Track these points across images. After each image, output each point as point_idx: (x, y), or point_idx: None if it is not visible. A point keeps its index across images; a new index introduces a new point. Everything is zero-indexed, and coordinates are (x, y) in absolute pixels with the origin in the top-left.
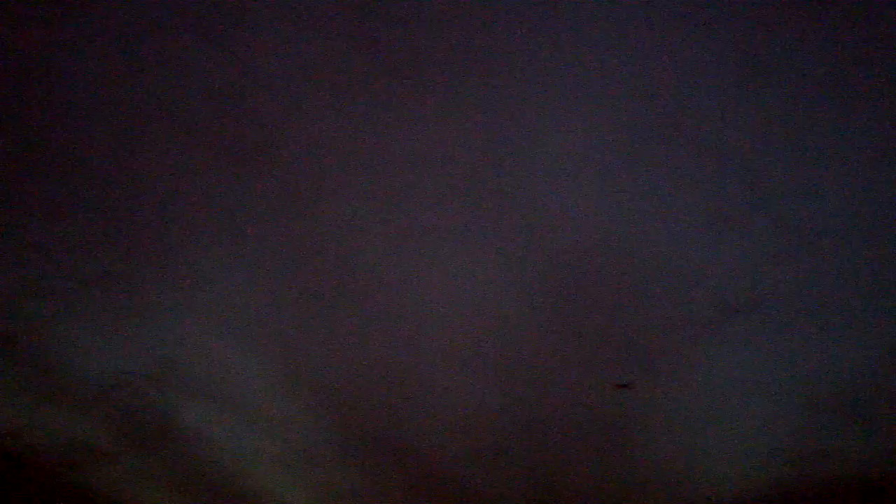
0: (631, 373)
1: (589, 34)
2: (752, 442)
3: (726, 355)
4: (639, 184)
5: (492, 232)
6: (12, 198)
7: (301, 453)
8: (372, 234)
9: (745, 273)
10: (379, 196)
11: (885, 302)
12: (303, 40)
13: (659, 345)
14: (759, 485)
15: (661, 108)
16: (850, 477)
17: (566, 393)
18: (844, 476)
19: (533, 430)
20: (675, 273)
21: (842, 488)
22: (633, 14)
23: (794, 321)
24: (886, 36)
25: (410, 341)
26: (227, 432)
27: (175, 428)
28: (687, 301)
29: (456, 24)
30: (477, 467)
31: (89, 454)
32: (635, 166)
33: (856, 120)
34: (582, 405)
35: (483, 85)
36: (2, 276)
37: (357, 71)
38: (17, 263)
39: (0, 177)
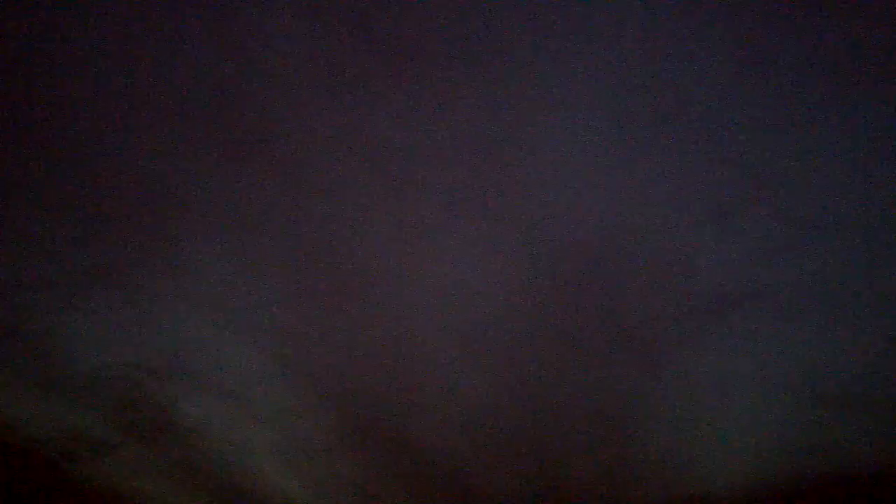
0: (631, 365)
1: (588, 27)
2: (754, 435)
3: (727, 347)
4: (639, 175)
5: (491, 224)
6: (12, 191)
7: (300, 444)
8: (371, 225)
9: (746, 265)
10: (378, 188)
11: (886, 293)
12: (303, 33)
13: (659, 336)
14: (761, 478)
15: (662, 100)
16: (852, 470)
17: (566, 385)
18: (846, 469)
19: (532, 421)
20: (675, 264)
21: (844, 481)
22: (633, 7)
23: (795, 313)
24: (886, 26)
25: (409, 333)
26: (227, 423)
27: (174, 419)
28: (688, 293)
29: (455, 16)
30: (475, 459)
31: (89, 445)
32: (635, 158)
33: (856, 111)
34: (582, 398)
35: (482, 78)
36: (2, 269)
37: (357, 64)
38: (17, 256)
39: (0, 171)
